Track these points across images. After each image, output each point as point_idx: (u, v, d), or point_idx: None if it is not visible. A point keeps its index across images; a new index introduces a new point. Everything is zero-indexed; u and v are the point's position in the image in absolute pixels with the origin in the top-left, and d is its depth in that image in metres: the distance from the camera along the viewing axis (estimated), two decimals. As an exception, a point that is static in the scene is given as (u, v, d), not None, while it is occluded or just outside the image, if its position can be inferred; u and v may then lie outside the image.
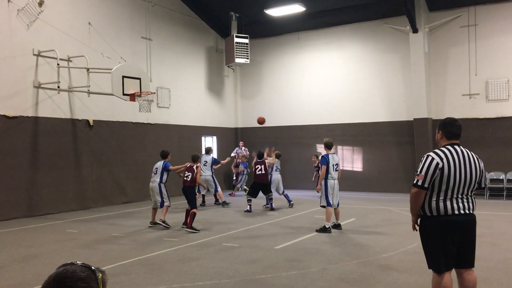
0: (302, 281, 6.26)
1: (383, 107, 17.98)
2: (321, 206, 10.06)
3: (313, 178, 15.77)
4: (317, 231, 9.79)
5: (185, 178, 10.59)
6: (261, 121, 16.07)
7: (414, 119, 16.86)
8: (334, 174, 9.94)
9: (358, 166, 18.54)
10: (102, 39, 14.42)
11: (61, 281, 1.59)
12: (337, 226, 10.10)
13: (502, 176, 15.59)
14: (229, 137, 20.90)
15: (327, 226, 9.76)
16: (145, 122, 16.37)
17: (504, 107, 15.86)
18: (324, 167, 9.83)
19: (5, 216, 11.93)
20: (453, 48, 16.75)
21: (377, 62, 18.11)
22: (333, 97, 18.91)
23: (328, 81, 19.07)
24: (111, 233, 10.12)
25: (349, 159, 18.66)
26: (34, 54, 12.77)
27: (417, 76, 16.58)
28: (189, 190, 10.54)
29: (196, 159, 10.89)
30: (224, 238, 9.39)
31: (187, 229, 10.11)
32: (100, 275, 1.66)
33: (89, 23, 14.33)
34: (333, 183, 9.92)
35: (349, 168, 18.57)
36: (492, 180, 15.64)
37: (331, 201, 9.83)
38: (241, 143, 18.79)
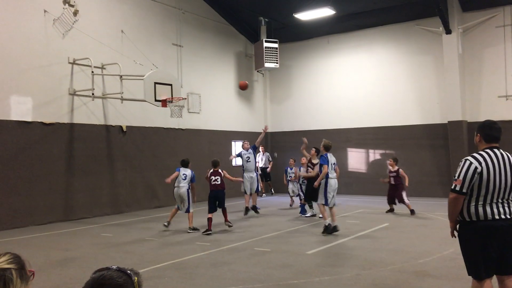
0: (335, 287, 6.18)
1: (416, 110, 17.65)
2: (317, 204, 10.25)
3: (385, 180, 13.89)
4: (322, 233, 9.96)
5: (213, 183, 10.83)
6: (243, 85, 13.42)
7: (448, 121, 16.49)
8: (333, 173, 10.17)
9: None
10: (135, 46, 14.68)
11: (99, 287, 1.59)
12: (334, 228, 9.94)
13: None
14: (259, 141, 20.89)
15: (326, 224, 9.91)
16: (176, 127, 16.56)
17: (543, 108, 15.34)
18: (325, 166, 9.97)
19: (42, 220, 12.26)
20: (488, 49, 16.32)
21: (409, 64, 17.81)
22: (364, 100, 18.69)
23: (359, 84, 18.87)
24: (144, 237, 10.26)
25: (381, 163, 18.36)
26: (70, 62, 13.12)
27: (451, 78, 16.22)
28: (221, 193, 10.86)
29: (217, 164, 11.13)
30: (256, 242, 9.38)
31: (230, 225, 10.95)
32: (136, 278, 1.67)
33: (122, 31, 14.63)
34: (334, 182, 10.09)
35: (382, 173, 18.27)
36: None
37: (329, 200, 10.00)
38: (261, 149, 18.19)
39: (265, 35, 19.40)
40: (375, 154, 18.57)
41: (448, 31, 15.99)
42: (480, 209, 4.14)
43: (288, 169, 15.07)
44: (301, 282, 6.45)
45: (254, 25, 19.82)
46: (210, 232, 10.52)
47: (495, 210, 4.13)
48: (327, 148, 10.22)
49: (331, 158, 10.20)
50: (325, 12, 16.81)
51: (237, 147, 19.74)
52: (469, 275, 4.32)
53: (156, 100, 12.42)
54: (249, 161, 13.68)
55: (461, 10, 16.52)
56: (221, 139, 18.53)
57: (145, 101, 12.46)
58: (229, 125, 19.19)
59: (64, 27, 12.93)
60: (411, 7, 17.17)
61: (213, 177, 10.90)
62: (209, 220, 10.65)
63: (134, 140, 15.08)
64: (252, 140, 20.17)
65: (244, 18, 19.74)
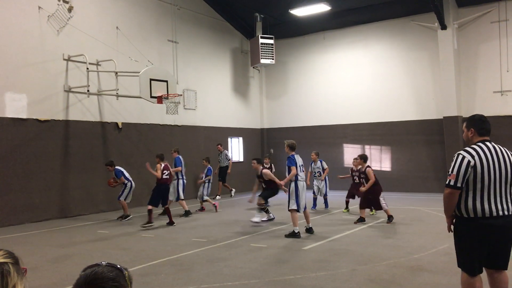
0: (331, 282, 6.20)
1: (412, 106, 17.70)
2: (289, 210, 9.43)
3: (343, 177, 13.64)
4: (286, 236, 9.40)
5: (165, 177, 11.26)
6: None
7: (443, 117, 16.54)
8: (302, 174, 9.50)
9: (386, 166, 18.30)
10: (130, 43, 14.64)
11: (92, 283, 1.60)
12: (309, 230, 9.62)
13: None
14: (255, 138, 20.93)
15: (296, 231, 9.33)
16: (172, 124, 16.54)
17: (538, 103, 15.42)
18: (293, 168, 9.32)
19: (38, 218, 12.24)
20: (484, 44, 16.37)
21: (405, 60, 17.84)
22: (360, 96, 18.72)
23: (355, 80, 18.89)
24: (141, 234, 10.26)
25: (377, 159, 18.43)
26: (64, 59, 13.07)
27: (447, 74, 16.26)
28: (169, 188, 11.62)
29: (163, 157, 11.54)
30: (252, 238, 9.39)
31: (173, 224, 11.21)
32: (126, 272, 1.69)
33: (117, 27, 14.58)
34: (302, 184, 9.44)
35: (377, 168, 18.31)
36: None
37: (301, 205, 9.36)
38: (219, 146, 17.11)
39: (260, 31, 19.37)
40: (371, 150, 18.61)
41: (444, 27, 16.02)
42: (478, 205, 4.11)
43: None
44: (298, 277, 6.47)
45: (250, 21, 19.78)
46: (152, 224, 10.84)
47: (493, 207, 4.09)
48: (293, 148, 9.56)
49: (298, 159, 9.55)
50: (321, 8, 16.81)
51: (233, 143, 19.75)
52: (459, 267, 4.34)
53: (151, 97, 12.41)
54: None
55: (456, 6, 16.56)
56: (217, 136, 18.51)
57: (140, 97, 12.44)
58: (225, 122, 19.18)
59: (59, 24, 12.88)
60: (406, 3, 17.17)
61: (165, 171, 11.33)
62: (151, 212, 10.98)
63: (130, 136, 15.05)
64: (248, 135, 20.20)
65: (239, 14, 19.70)
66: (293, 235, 9.32)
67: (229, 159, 17.30)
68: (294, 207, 9.33)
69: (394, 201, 15.11)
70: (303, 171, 9.63)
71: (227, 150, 17.61)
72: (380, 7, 17.69)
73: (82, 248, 8.84)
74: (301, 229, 9.63)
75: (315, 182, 13.65)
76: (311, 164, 13.73)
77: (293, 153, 9.54)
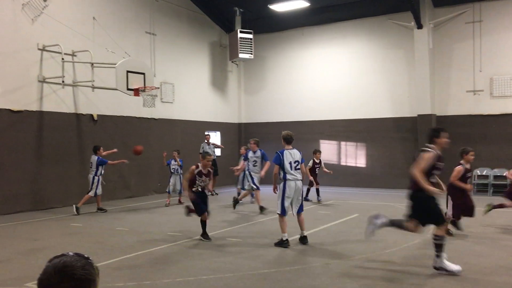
0: (305, 276, 6.29)
1: (387, 103, 17.95)
2: (277, 213, 8.28)
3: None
4: (275, 244, 8.14)
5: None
6: (138, 150, 12.83)
7: (418, 115, 16.84)
8: (295, 173, 8.12)
9: (361, 162, 18.54)
10: (107, 34, 14.44)
11: (62, 271, 1.63)
12: (303, 239, 8.30)
13: (505, 173, 15.53)
14: (233, 132, 20.93)
15: (284, 239, 8.06)
16: (149, 117, 16.40)
17: (508, 103, 15.83)
18: (276, 167, 8.11)
19: (10, 210, 12.01)
20: (458, 44, 16.70)
21: (381, 58, 18.07)
22: (336, 93, 18.89)
23: (332, 77, 19.05)
24: (115, 227, 10.19)
25: (352, 155, 18.67)
26: (39, 49, 12.81)
27: (421, 72, 16.55)
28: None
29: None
30: (228, 233, 9.43)
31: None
32: (93, 262, 1.73)
33: (93, 17, 14.35)
34: (293, 184, 8.08)
35: (352, 164, 18.59)
36: (495, 177, 15.65)
37: (286, 208, 8.12)
38: (207, 137, 16.50)
39: (239, 26, 19.34)
40: (346, 146, 18.83)
41: (420, 26, 16.29)
42: None
43: (172, 161, 13.79)
44: (272, 271, 6.54)
45: (229, 15, 19.72)
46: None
47: None
48: (288, 141, 8.32)
49: (291, 155, 8.16)
50: (300, 4, 16.90)
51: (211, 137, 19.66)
52: None
53: (128, 89, 12.27)
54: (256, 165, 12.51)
55: (433, 6, 16.84)
56: (194, 129, 18.43)
57: (117, 89, 12.30)
58: (203, 116, 19.11)
59: (34, 13, 12.62)
60: (384, 1, 17.38)
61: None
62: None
63: (106, 129, 14.87)
64: (226, 130, 20.18)
65: (218, 8, 19.61)
66: (281, 243, 8.08)
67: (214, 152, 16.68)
68: (278, 210, 8.18)
69: (367, 196, 15.36)
70: (297, 169, 8.21)
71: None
72: (358, 5, 17.86)
73: (55, 241, 8.74)
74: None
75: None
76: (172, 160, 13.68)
77: (289, 147, 8.32)
